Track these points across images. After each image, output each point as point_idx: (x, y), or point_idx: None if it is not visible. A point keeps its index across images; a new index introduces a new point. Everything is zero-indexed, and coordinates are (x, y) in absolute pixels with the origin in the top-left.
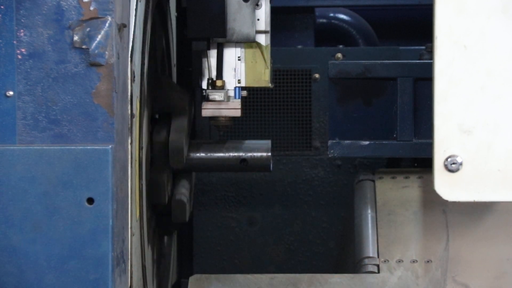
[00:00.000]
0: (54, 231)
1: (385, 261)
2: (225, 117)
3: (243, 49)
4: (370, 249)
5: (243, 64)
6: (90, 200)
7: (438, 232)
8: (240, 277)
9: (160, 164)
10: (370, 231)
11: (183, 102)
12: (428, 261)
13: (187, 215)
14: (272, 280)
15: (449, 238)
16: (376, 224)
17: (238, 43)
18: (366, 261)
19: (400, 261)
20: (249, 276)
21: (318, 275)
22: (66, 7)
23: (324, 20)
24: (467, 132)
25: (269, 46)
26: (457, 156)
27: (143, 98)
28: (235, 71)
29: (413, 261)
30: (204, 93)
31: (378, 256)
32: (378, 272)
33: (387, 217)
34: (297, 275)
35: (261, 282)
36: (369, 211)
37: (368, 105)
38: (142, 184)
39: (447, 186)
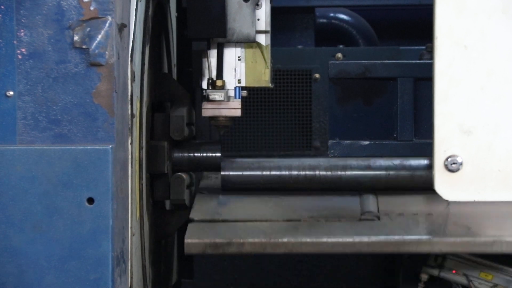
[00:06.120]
0: (54, 231)
1: (385, 214)
2: (225, 117)
3: (243, 49)
4: (371, 206)
5: (243, 64)
6: (90, 200)
7: (438, 197)
8: (239, 224)
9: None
10: (370, 197)
11: (182, 91)
12: (429, 214)
13: (185, 194)
14: (273, 226)
15: (449, 202)
16: (376, 197)
17: (238, 43)
18: (367, 214)
19: (401, 214)
20: (249, 223)
21: (319, 222)
22: (66, 7)
23: (324, 20)
24: (467, 132)
25: (269, 46)
26: (457, 156)
27: (143, 98)
28: (235, 71)
29: (414, 214)
30: (204, 93)
31: (378, 210)
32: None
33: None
34: (297, 222)
35: (262, 227)
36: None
37: (368, 105)
38: (142, 184)
39: (447, 186)
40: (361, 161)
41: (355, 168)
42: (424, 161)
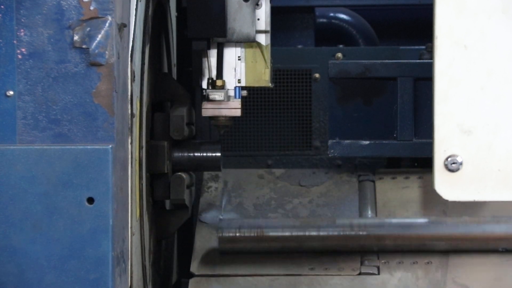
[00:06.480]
0: (54, 231)
1: (385, 263)
2: (225, 116)
3: (243, 49)
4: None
5: (243, 64)
6: (90, 200)
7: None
8: (240, 279)
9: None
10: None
11: (182, 91)
12: (428, 263)
13: (185, 194)
14: (273, 282)
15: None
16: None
17: (238, 42)
18: (367, 262)
19: (400, 262)
20: (249, 278)
21: (318, 277)
22: (66, 6)
23: (324, 20)
24: (467, 132)
25: (269, 45)
26: (457, 156)
27: (143, 98)
28: (235, 70)
29: (413, 263)
30: (204, 93)
31: (378, 258)
32: (378, 273)
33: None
34: (297, 277)
35: (261, 284)
36: (369, 212)
37: (368, 105)
38: (142, 184)
39: (447, 186)
40: (361, 220)
41: (356, 228)
42: (424, 220)
